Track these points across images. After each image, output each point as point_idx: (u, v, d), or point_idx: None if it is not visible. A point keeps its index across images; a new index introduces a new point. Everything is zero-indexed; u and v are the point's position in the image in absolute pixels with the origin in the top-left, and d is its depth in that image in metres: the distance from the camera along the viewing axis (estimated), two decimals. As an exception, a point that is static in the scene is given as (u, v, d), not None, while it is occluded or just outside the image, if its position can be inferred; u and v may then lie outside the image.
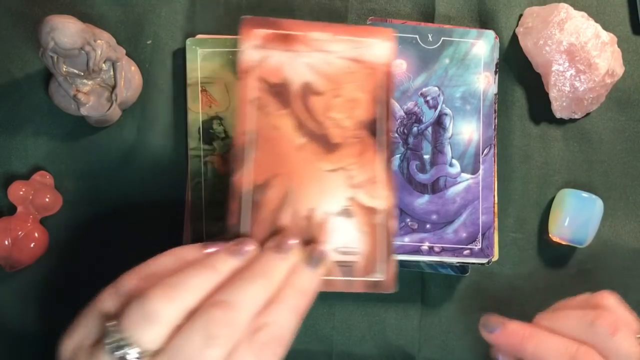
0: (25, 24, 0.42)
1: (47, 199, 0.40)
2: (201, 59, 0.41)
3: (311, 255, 0.31)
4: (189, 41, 0.41)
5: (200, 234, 0.40)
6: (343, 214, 0.34)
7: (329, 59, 0.35)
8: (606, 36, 0.42)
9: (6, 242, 0.38)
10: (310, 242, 0.32)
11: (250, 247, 0.30)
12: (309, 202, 0.33)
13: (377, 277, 0.34)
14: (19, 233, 0.38)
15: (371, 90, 0.35)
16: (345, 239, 0.33)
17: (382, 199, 0.34)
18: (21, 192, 0.39)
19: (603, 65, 0.42)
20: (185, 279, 0.27)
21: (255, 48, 0.35)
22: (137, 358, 0.25)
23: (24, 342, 0.41)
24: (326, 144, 0.34)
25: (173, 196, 0.41)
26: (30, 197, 0.39)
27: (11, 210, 0.40)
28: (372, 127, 0.35)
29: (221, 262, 0.29)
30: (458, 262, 0.40)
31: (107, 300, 0.28)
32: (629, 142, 0.45)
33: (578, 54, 0.41)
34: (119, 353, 0.25)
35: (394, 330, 0.42)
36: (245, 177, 0.33)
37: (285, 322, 0.28)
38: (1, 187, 0.41)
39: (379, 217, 0.34)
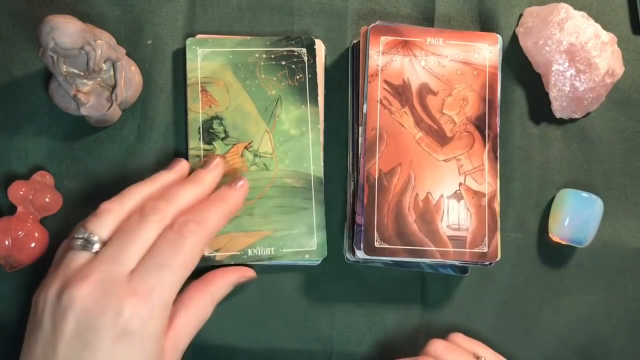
0: (25, 24, 0.42)
1: (47, 199, 0.40)
2: (201, 59, 0.41)
3: (233, 179, 0.38)
4: (189, 41, 0.41)
5: (200, 234, 0.40)
6: (455, 196, 0.40)
7: (442, 61, 0.41)
8: (606, 36, 0.42)
9: (6, 242, 0.38)
10: None
11: (182, 162, 0.38)
12: (426, 186, 0.39)
13: (483, 249, 0.39)
14: (19, 233, 0.38)
15: (479, 89, 0.41)
16: (456, 217, 0.39)
17: (487, 184, 0.40)
18: (21, 192, 0.39)
19: (603, 65, 0.42)
20: (128, 190, 0.36)
21: (381, 54, 0.40)
22: (98, 245, 0.33)
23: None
24: (440, 138, 0.40)
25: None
26: (30, 197, 0.39)
27: (11, 210, 0.40)
28: (479, 122, 0.40)
29: (159, 176, 0.37)
30: (460, 263, 0.40)
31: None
32: (629, 142, 0.45)
33: (578, 53, 0.41)
34: (81, 243, 0.33)
35: (394, 330, 0.42)
36: (375, 166, 0.39)
37: (204, 215, 0.35)
38: (1, 187, 0.41)
39: (484, 199, 0.40)
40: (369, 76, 0.40)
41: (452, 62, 0.41)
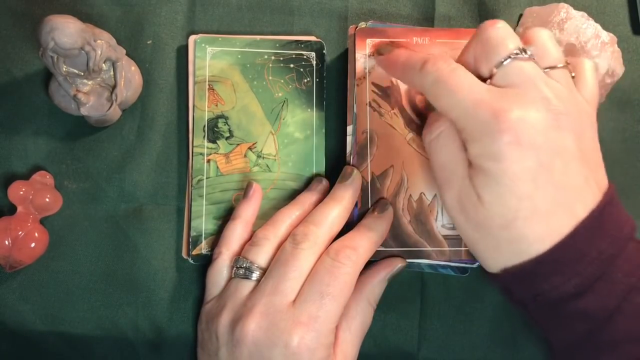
0: (25, 24, 0.42)
1: (47, 199, 0.39)
2: (210, 57, 0.41)
3: (377, 206, 0.38)
4: (198, 39, 0.41)
5: (200, 233, 0.40)
6: None
7: None
8: (606, 36, 0.42)
9: (6, 242, 0.38)
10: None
11: (323, 182, 0.40)
12: (420, 187, 0.39)
13: None
14: (19, 233, 0.38)
15: None
16: None
17: None
18: (21, 192, 0.39)
19: (603, 65, 0.42)
20: (278, 215, 0.38)
21: (368, 56, 0.40)
22: (258, 272, 0.36)
23: (24, 342, 0.41)
24: None
25: (173, 196, 0.42)
26: (30, 197, 0.39)
27: (11, 210, 0.40)
28: None
29: (303, 197, 0.39)
30: (456, 263, 0.40)
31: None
32: (629, 142, 0.45)
33: (578, 54, 0.41)
34: (243, 272, 0.36)
35: (393, 330, 0.42)
36: (367, 170, 0.39)
37: (357, 242, 0.36)
38: (1, 187, 0.41)
39: None
40: (356, 79, 0.40)
41: None
